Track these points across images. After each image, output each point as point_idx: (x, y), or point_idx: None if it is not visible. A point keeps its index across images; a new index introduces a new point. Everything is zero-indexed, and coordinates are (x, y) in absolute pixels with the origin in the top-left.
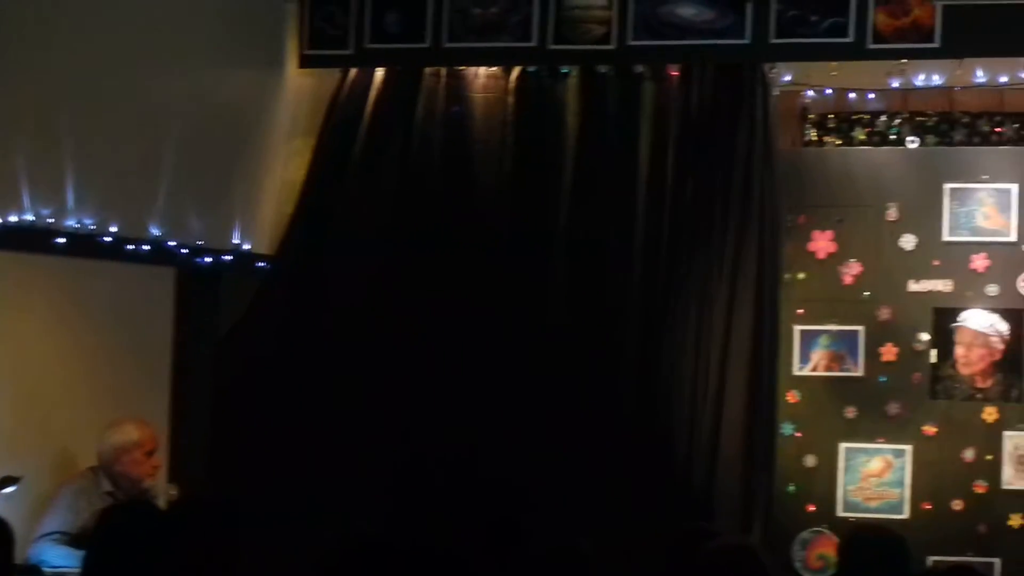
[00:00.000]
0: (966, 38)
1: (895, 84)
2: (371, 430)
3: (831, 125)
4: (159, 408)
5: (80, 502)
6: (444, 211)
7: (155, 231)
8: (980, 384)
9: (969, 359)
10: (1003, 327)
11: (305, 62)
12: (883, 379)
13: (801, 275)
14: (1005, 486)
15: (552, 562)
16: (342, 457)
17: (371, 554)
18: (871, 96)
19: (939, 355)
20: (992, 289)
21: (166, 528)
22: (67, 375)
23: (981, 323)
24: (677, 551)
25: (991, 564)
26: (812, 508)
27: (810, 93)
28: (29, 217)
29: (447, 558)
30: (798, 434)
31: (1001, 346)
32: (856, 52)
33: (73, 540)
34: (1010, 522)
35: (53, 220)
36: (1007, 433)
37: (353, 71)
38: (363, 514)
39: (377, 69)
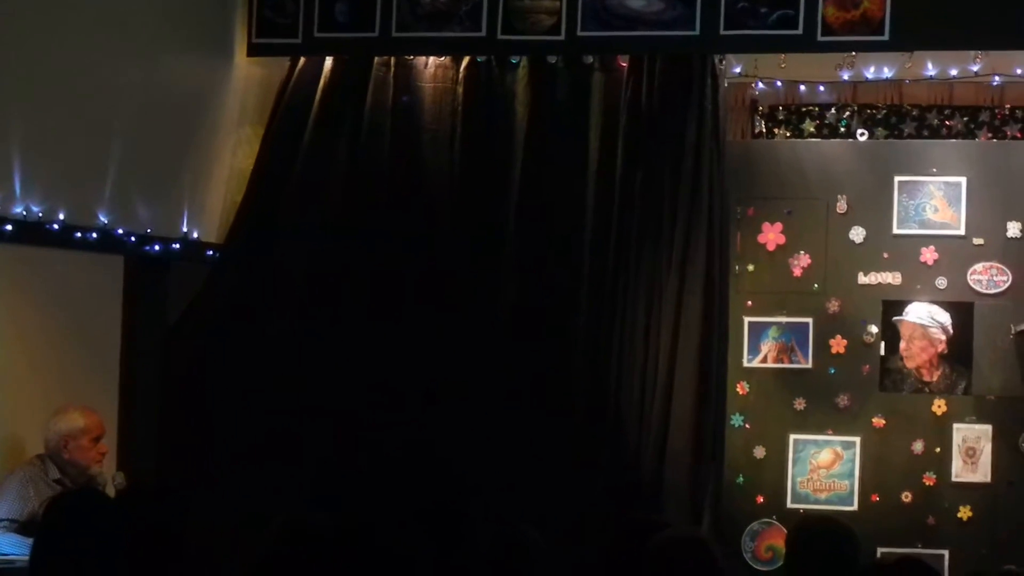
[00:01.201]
0: (916, 31)
1: (845, 76)
2: (319, 418)
3: (780, 117)
4: (108, 396)
5: (28, 490)
6: (393, 200)
7: (103, 219)
8: (927, 377)
9: (911, 352)
10: (944, 318)
11: (254, 51)
12: (832, 371)
13: (751, 267)
14: (954, 478)
15: (498, 548)
16: (290, 444)
17: (312, 541)
18: (821, 88)
19: (888, 348)
20: (941, 282)
21: (114, 516)
22: (14, 363)
23: (921, 316)
24: (625, 542)
25: (940, 556)
26: (761, 499)
27: (760, 85)
28: None
29: (389, 545)
30: (747, 425)
31: (943, 338)
32: (806, 44)
33: (21, 527)
34: (959, 514)
35: (0, 207)
36: (956, 426)
37: (302, 60)
38: (309, 501)
39: (326, 58)
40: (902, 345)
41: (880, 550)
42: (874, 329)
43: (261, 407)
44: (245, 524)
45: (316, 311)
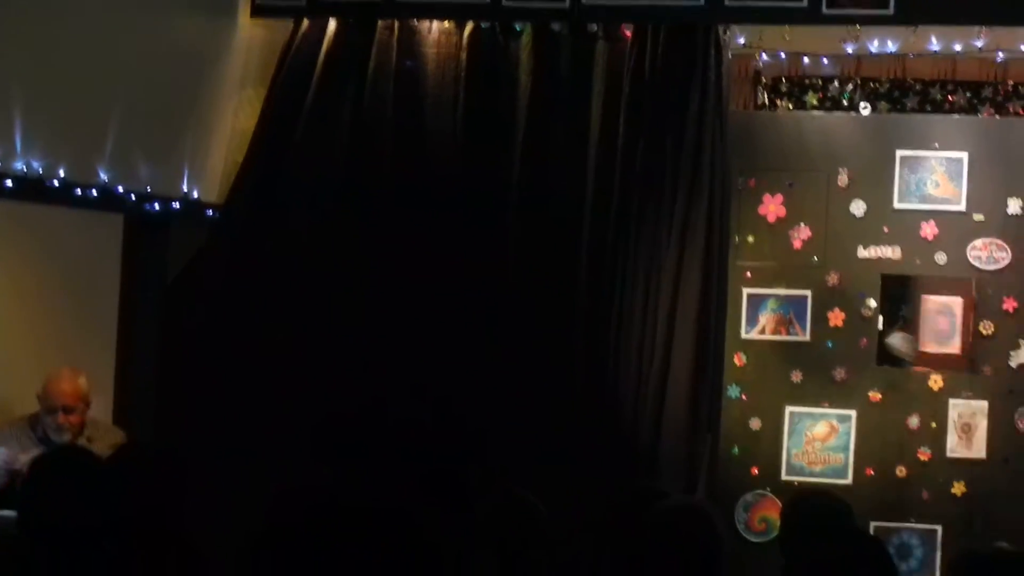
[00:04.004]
0: (920, 5)
1: (849, 49)
2: (319, 380)
3: (784, 89)
4: (105, 355)
5: (10, 443)
6: (395, 165)
7: (104, 176)
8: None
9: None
10: None
11: (257, 11)
12: (830, 344)
13: (750, 238)
14: (949, 454)
15: (502, 513)
16: (289, 406)
17: (314, 507)
18: (824, 61)
19: (885, 322)
20: (941, 257)
21: (100, 476)
22: (11, 320)
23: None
24: (624, 510)
25: (933, 531)
26: (756, 471)
27: (763, 57)
28: None
29: (392, 512)
30: (744, 397)
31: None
32: (810, 17)
33: None
34: (953, 490)
35: (1, 163)
36: (952, 401)
37: (305, 22)
38: (309, 465)
39: (330, 20)
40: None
41: (874, 524)
42: (873, 303)
43: (260, 367)
44: (245, 485)
45: (316, 273)
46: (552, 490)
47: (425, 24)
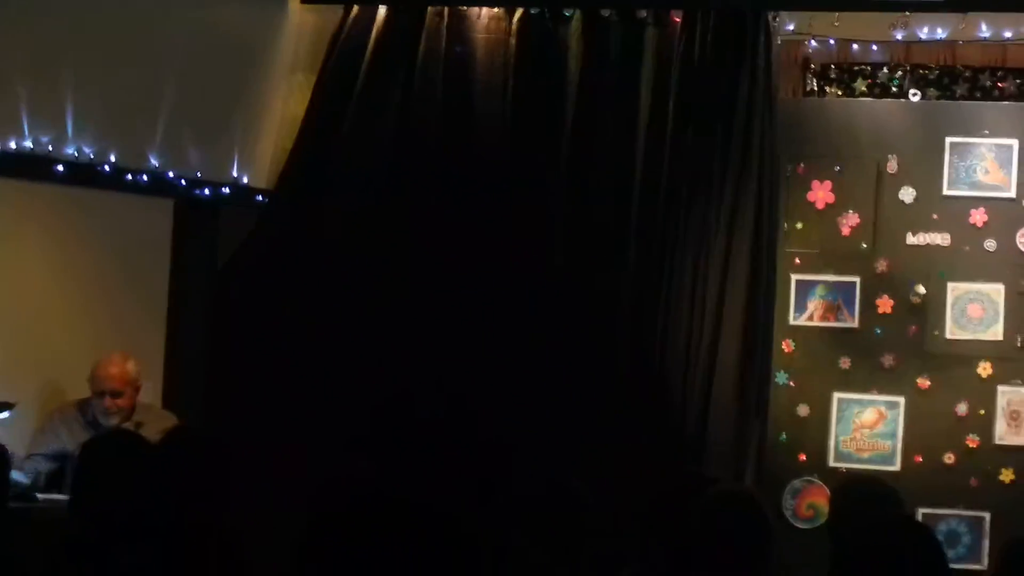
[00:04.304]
0: None
1: (898, 36)
2: (366, 368)
3: (833, 76)
4: (155, 339)
5: (53, 426)
6: (443, 151)
7: (154, 162)
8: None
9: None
10: None
11: None
12: (878, 331)
13: (799, 225)
14: (997, 441)
15: (547, 499)
16: (337, 395)
17: (359, 498)
18: (874, 48)
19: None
20: (991, 244)
21: (148, 460)
22: (63, 305)
23: None
24: (673, 496)
25: (981, 518)
26: (803, 457)
27: (813, 43)
28: (28, 144)
29: (433, 504)
30: (792, 383)
31: None
32: (860, 3)
33: (50, 460)
34: (1001, 477)
35: (52, 148)
36: (1000, 388)
37: (355, 8)
38: (355, 454)
39: (380, 7)
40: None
41: (921, 511)
42: (922, 290)
43: (306, 354)
44: (288, 473)
45: (364, 259)
46: (599, 478)
47: (474, 10)
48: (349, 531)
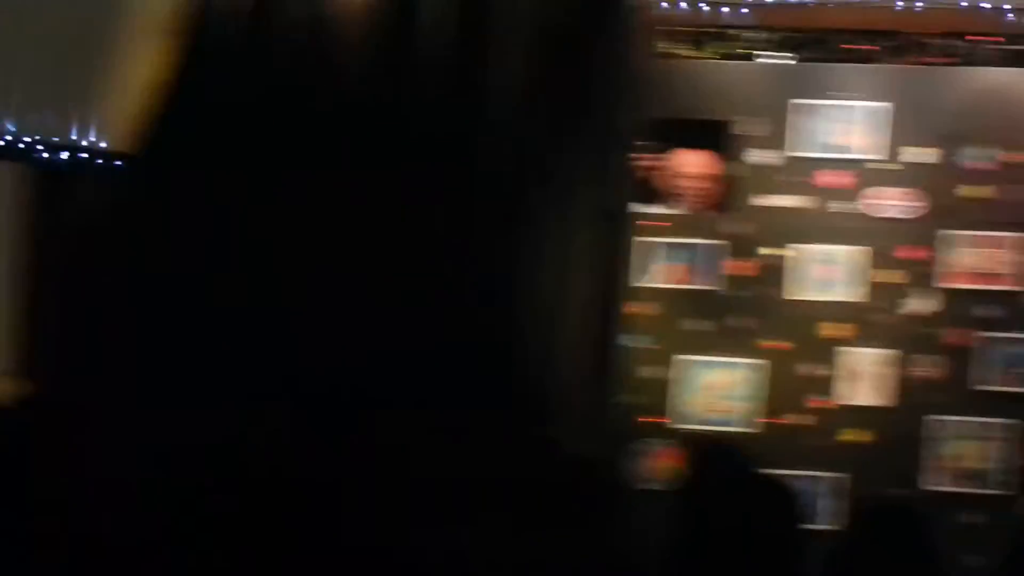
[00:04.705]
0: None
1: None
2: (224, 334)
3: (683, 38)
4: (5, 307)
5: None
6: (305, 116)
7: (10, 126)
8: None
9: None
10: None
11: None
12: (731, 293)
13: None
14: (850, 402)
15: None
16: (194, 360)
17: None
18: (724, 10)
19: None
20: (837, 206)
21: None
22: None
23: None
24: (522, 460)
25: (836, 479)
26: (655, 419)
27: (664, 5)
28: None
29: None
30: (643, 345)
31: None
32: None
33: None
34: (848, 437)
35: None
36: (848, 349)
37: None
38: (211, 421)
39: None
40: None
41: (771, 471)
42: (769, 252)
43: (165, 320)
44: (142, 441)
45: (223, 225)
46: (451, 436)
47: None
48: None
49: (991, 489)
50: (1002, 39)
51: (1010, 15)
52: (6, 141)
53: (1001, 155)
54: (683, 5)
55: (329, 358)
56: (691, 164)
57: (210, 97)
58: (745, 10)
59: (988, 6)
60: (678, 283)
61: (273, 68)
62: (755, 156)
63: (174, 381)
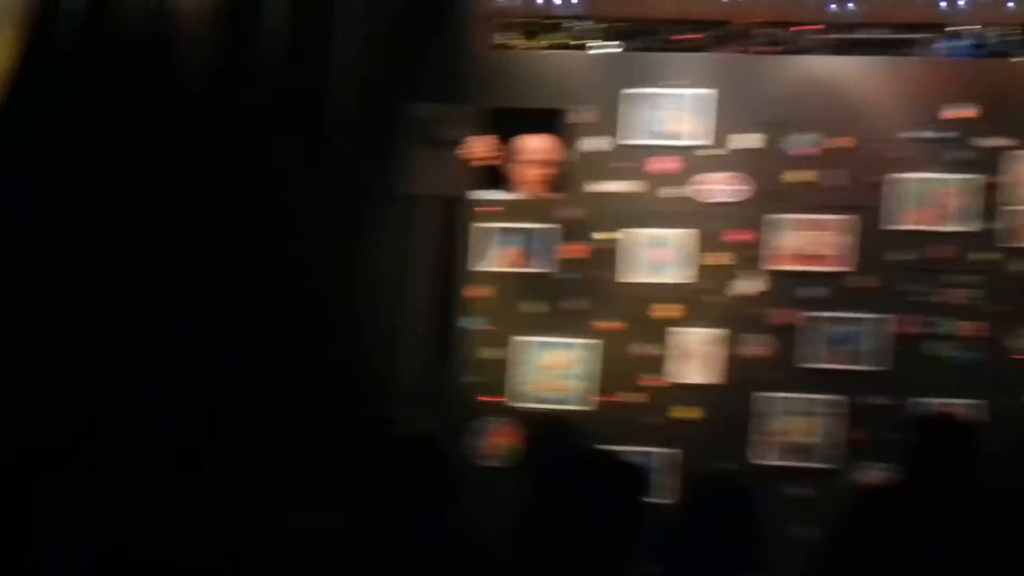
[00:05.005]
0: None
1: None
2: (74, 323)
3: (520, 29)
4: None
5: None
6: (148, 109)
7: None
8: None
9: None
10: None
11: None
12: (565, 276)
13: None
14: (681, 380)
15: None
16: (41, 350)
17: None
18: (557, 2)
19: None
20: (669, 192)
21: None
22: None
23: None
24: (366, 436)
25: (669, 454)
26: (494, 399)
27: None
28: None
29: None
30: (481, 328)
31: None
32: None
33: None
34: (681, 414)
35: None
36: (681, 329)
37: None
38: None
39: None
40: None
41: (605, 447)
42: (605, 236)
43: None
44: None
45: (72, 215)
46: (299, 420)
47: None
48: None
49: (817, 463)
50: (823, 28)
51: (832, 5)
52: None
53: (824, 141)
54: None
55: (169, 348)
56: (529, 150)
57: (52, 89)
58: (575, 1)
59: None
60: (514, 266)
61: (114, 61)
62: (588, 143)
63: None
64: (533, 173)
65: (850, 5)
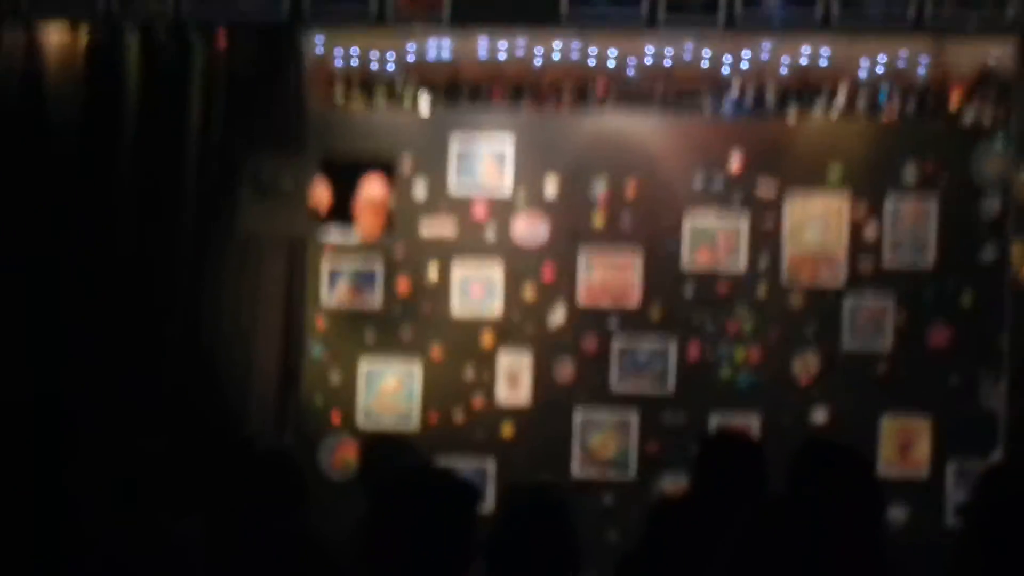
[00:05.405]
0: (471, 11)
1: (411, 57)
2: None
3: (356, 89)
4: None
5: None
6: (20, 163)
7: None
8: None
9: None
10: None
11: None
12: (398, 309)
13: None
14: (498, 401)
15: (121, 459)
16: None
17: None
18: (391, 66)
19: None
20: (489, 233)
21: None
22: None
23: None
24: (223, 453)
25: (486, 468)
26: (336, 419)
27: (339, 61)
28: None
29: None
30: (325, 355)
31: None
32: (378, 22)
33: None
34: (503, 432)
35: None
36: (501, 355)
37: None
38: None
39: None
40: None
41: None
42: (433, 273)
43: None
44: None
45: None
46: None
47: (48, 26)
48: None
49: (620, 476)
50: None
51: (631, 69)
52: None
53: (615, 187)
54: (354, 61)
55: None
56: (364, 196)
57: None
58: (397, 63)
59: (612, 60)
60: (350, 300)
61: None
62: (419, 189)
63: None
64: (368, 216)
65: (631, 70)
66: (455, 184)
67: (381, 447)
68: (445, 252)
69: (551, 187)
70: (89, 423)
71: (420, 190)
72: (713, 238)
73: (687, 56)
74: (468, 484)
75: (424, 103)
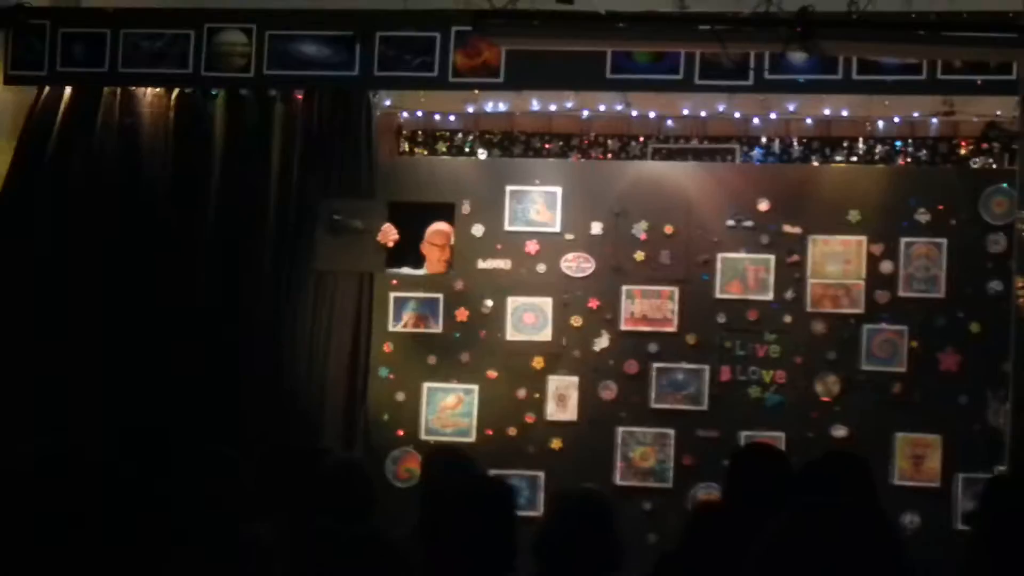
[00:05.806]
0: (524, 75)
1: (470, 109)
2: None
3: (420, 139)
4: None
5: None
6: (118, 205)
7: None
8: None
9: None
10: None
11: (9, 80)
12: (457, 335)
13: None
14: (548, 418)
15: (203, 465)
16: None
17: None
18: (451, 118)
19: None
20: (541, 268)
21: None
22: None
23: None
24: (298, 463)
25: (536, 476)
26: (401, 433)
27: (404, 115)
28: None
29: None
30: (391, 376)
31: None
32: (440, 84)
33: None
34: (552, 445)
35: None
36: (550, 377)
37: (47, 88)
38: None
39: (67, 87)
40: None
41: (492, 471)
42: (489, 303)
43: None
44: None
45: (53, 293)
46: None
47: (140, 90)
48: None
49: (659, 483)
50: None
51: (670, 122)
52: None
53: (654, 228)
54: (419, 114)
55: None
56: (429, 235)
57: (42, 187)
58: (455, 116)
59: (653, 115)
60: (415, 327)
61: (90, 166)
62: (477, 229)
63: None
64: (433, 252)
65: (669, 123)
66: (510, 223)
67: (442, 458)
68: (500, 284)
69: (596, 227)
70: (186, 444)
71: (478, 229)
72: (743, 272)
73: (720, 110)
74: (509, 489)
75: (482, 152)
